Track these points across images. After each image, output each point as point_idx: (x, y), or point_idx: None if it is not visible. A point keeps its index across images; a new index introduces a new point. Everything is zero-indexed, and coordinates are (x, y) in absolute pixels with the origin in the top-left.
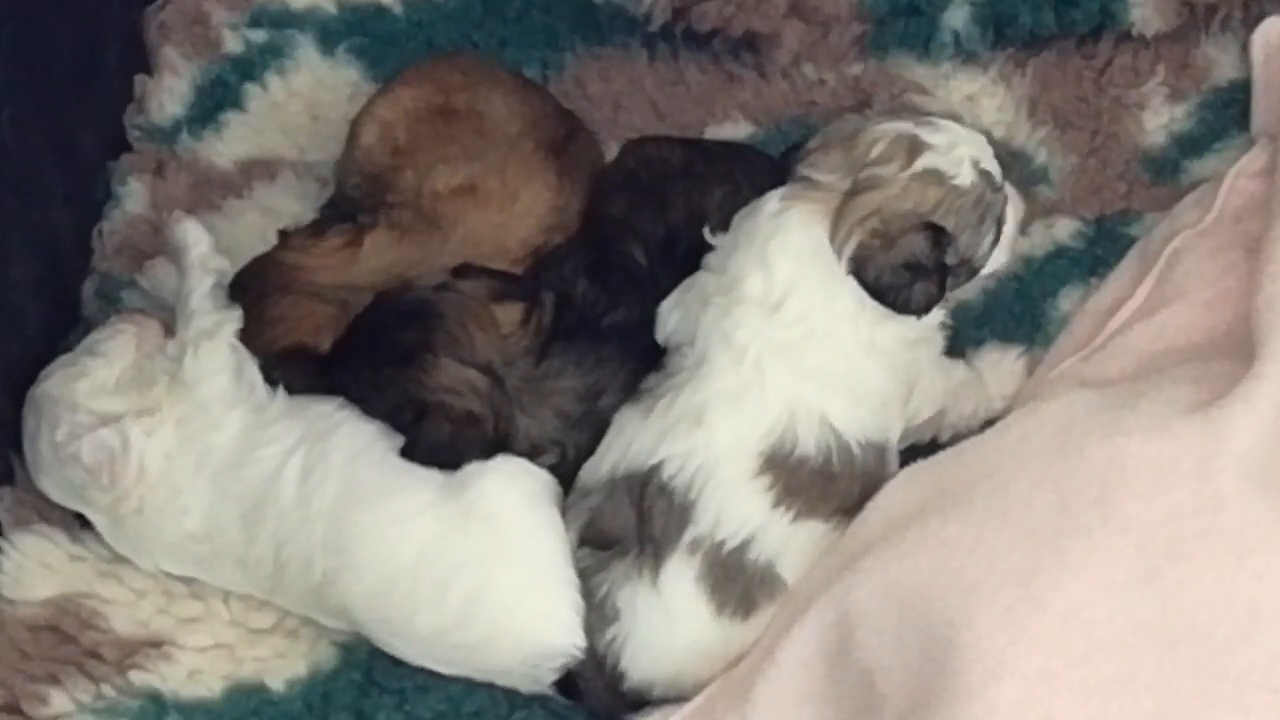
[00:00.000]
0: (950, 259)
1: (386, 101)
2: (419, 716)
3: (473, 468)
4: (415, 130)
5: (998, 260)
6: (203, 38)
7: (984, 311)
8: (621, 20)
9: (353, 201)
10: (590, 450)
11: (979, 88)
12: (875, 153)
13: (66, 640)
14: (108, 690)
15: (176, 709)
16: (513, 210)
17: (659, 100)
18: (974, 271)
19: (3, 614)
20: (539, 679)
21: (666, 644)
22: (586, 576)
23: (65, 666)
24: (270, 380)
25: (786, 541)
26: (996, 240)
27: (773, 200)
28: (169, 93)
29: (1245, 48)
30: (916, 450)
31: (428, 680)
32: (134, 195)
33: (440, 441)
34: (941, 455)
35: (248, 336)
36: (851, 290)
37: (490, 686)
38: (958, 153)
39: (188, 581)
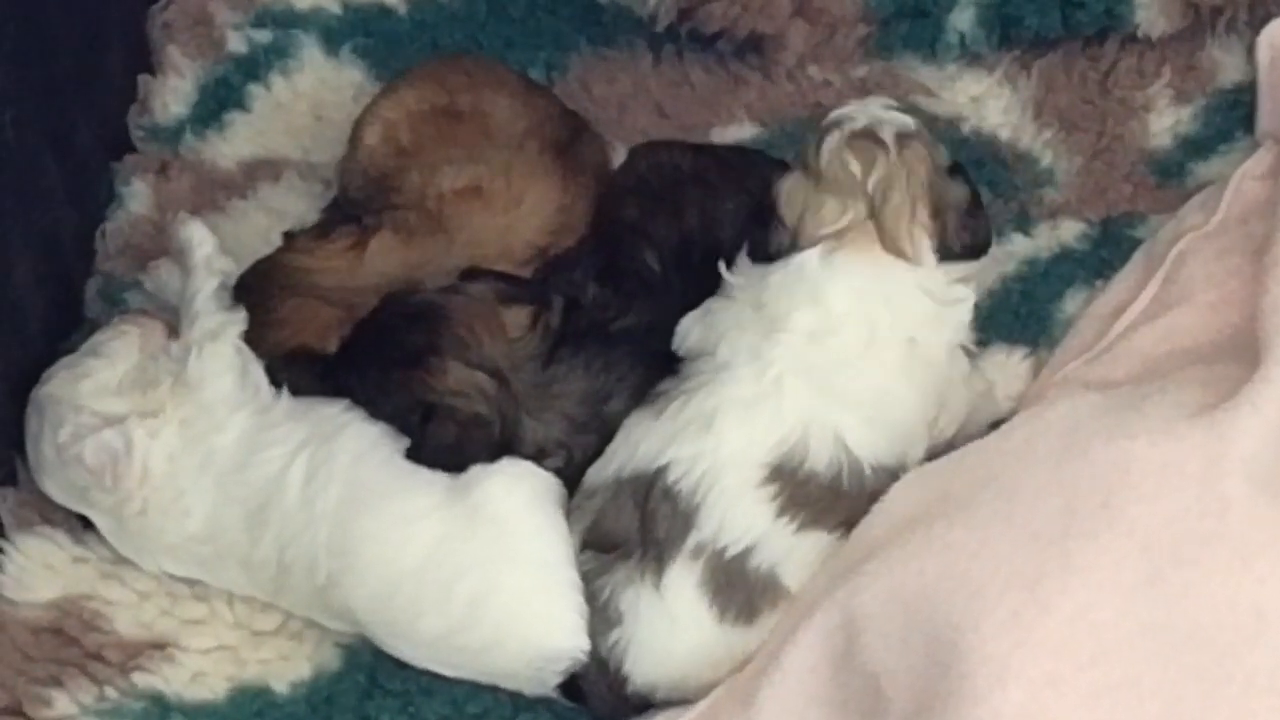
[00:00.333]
0: None
1: (390, 102)
2: (423, 719)
3: (478, 470)
4: (419, 131)
5: None
6: (206, 38)
7: (989, 313)
8: (626, 21)
9: (356, 203)
10: (596, 454)
11: (984, 89)
12: (855, 167)
13: (69, 642)
14: (110, 692)
15: (180, 711)
16: (518, 212)
17: (664, 101)
18: None
19: (5, 616)
20: (543, 682)
21: (669, 648)
22: (589, 579)
23: (68, 668)
24: (275, 382)
25: (789, 551)
26: None
27: (812, 257)
28: (173, 93)
29: (1251, 50)
30: (927, 454)
31: (432, 683)
32: (137, 196)
33: (446, 444)
34: (946, 459)
35: (252, 338)
36: (919, 293)
37: (494, 689)
38: (875, 114)
39: (191, 583)
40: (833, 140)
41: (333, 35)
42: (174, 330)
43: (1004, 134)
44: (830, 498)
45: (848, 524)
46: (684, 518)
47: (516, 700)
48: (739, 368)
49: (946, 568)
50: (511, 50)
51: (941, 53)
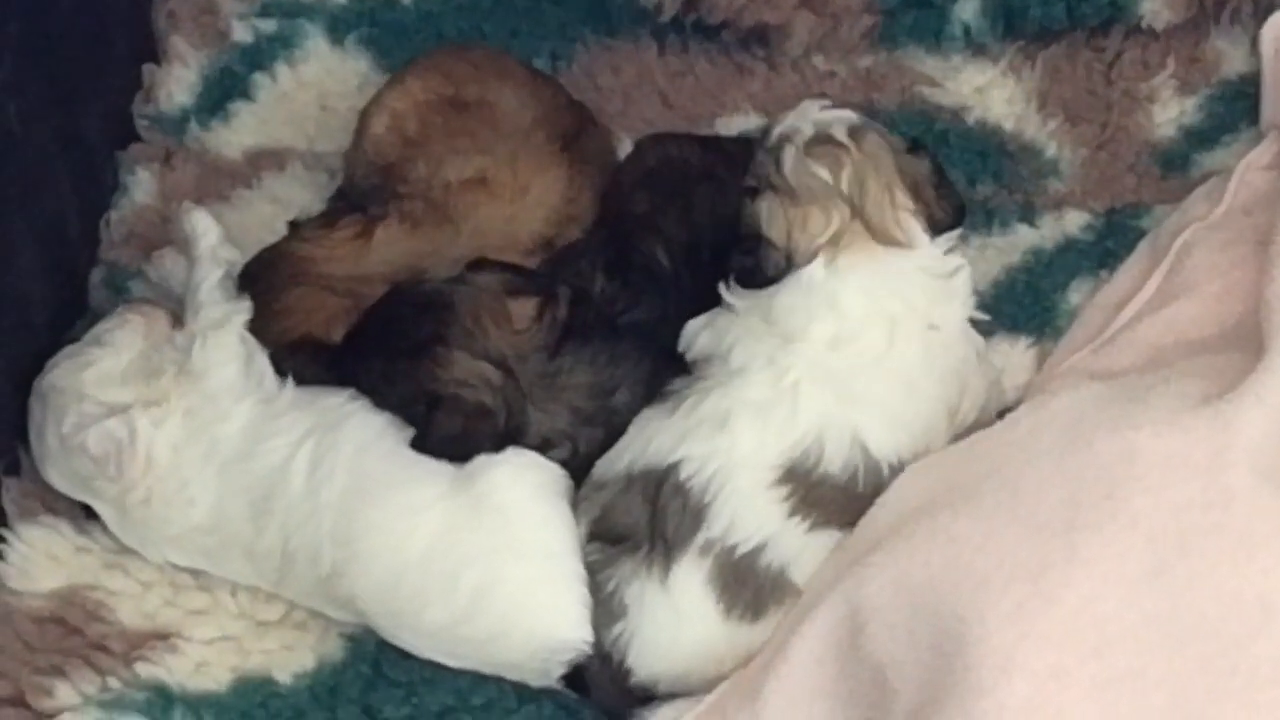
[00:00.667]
0: None
1: (397, 92)
2: (427, 709)
3: (483, 460)
4: (426, 121)
5: None
6: (211, 27)
7: (994, 304)
8: (632, 12)
9: (362, 192)
10: (603, 446)
11: (989, 80)
12: (823, 173)
13: (72, 632)
14: (114, 682)
15: (183, 701)
16: (524, 202)
17: (669, 92)
18: None
19: (8, 606)
20: (547, 673)
21: (672, 642)
22: (595, 571)
23: (71, 659)
24: (280, 371)
25: (801, 550)
26: None
27: (816, 270)
28: (177, 82)
29: (1255, 41)
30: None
31: (436, 673)
32: (142, 185)
33: (451, 434)
34: (950, 449)
35: (257, 328)
36: (923, 275)
37: (498, 680)
38: (818, 118)
39: (195, 573)
40: (790, 154)
41: (338, 25)
42: (178, 319)
43: (1008, 125)
44: (844, 499)
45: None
46: (694, 514)
47: (520, 691)
48: (754, 373)
49: (951, 559)
50: (517, 40)
51: (946, 44)
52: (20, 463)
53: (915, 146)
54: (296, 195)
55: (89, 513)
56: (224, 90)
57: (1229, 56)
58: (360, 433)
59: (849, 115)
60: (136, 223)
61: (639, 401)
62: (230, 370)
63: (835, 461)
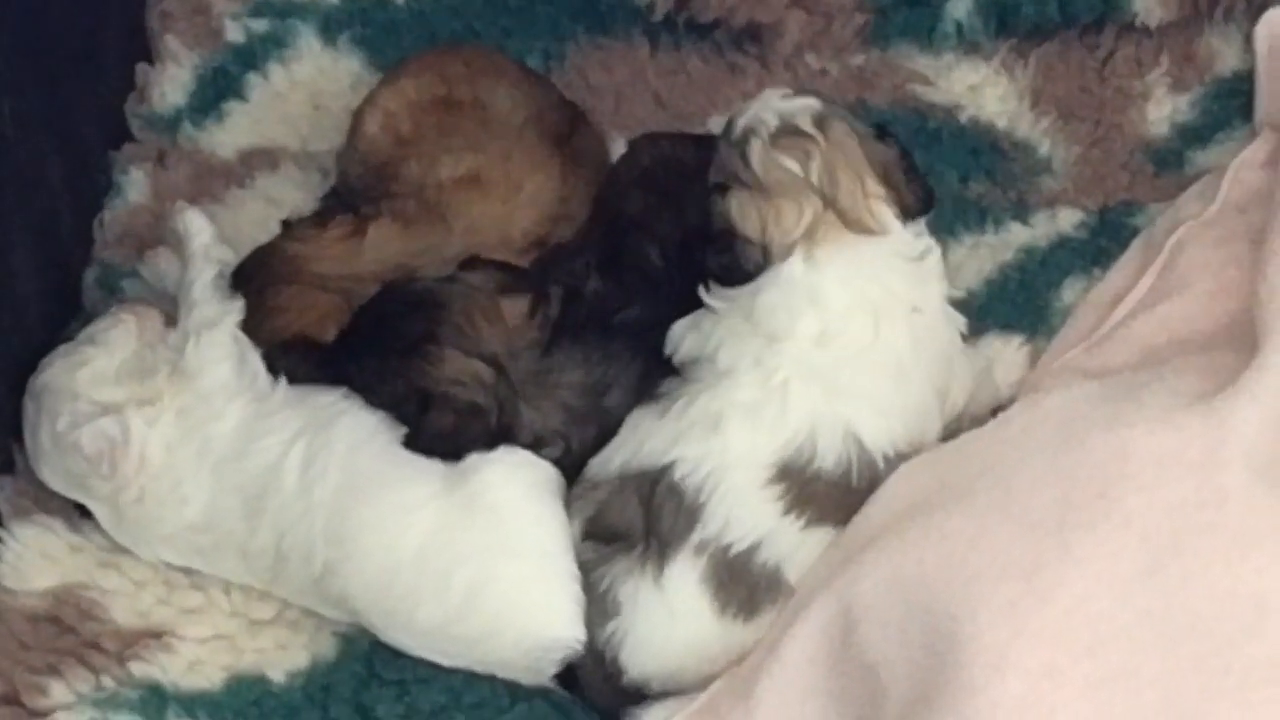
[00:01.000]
0: None
1: (390, 92)
2: (420, 708)
3: (475, 459)
4: (419, 120)
5: None
6: (204, 27)
7: (987, 302)
8: (624, 10)
9: (355, 192)
10: (595, 445)
11: (982, 78)
12: (792, 164)
13: (66, 631)
14: (107, 681)
15: (176, 700)
16: (516, 201)
17: (661, 90)
18: None
19: (2, 604)
20: (540, 671)
21: (666, 641)
22: (589, 570)
23: (65, 657)
24: (273, 370)
25: (796, 547)
26: None
27: (795, 266)
28: (171, 82)
29: (1248, 38)
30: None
31: (429, 672)
32: (135, 185)
33: (444, 432)
34: (943, 448)
35: (250, 327)
36: (899, 260)
37: (491, 678)
38: (781, 108)
39: (188, 572)
40: (757, 147)
41: (331, 25)
42: (172, 319)
43: (1001, 123)
44: (839, 494)
45: None
46: (689, 514)
47: (513, 690)
48: (742, 374)
49: (944, 557)
50: (509, 40)
51: (939, 42)
52: (14, 462)
53: (882, 133)
54: (289, 195)
55: (83, 512)
56: (217, 90)
57: (1222, 54)
58: (353, 431)
59: (813, 103)
60: (130, 222)
61: (631, 400)
62: (223, 369)
63: (828, 457)
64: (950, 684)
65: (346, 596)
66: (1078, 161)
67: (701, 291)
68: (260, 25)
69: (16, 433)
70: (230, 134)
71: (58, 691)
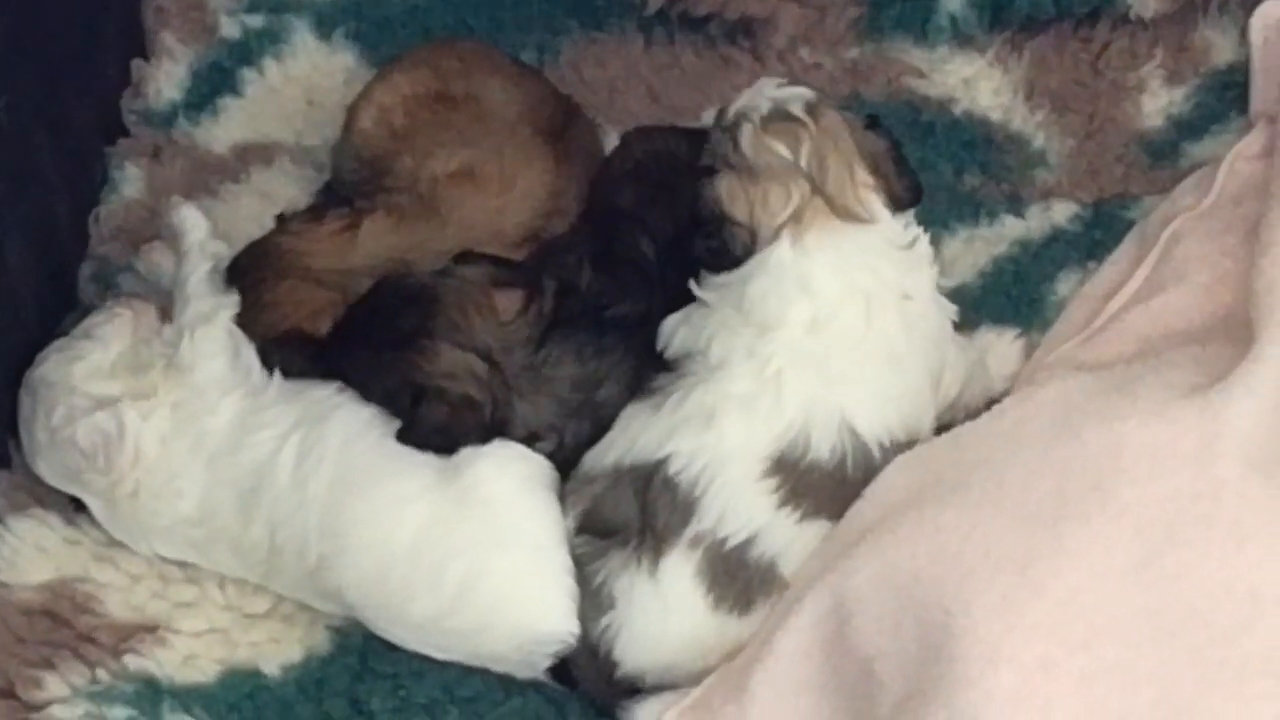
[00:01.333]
0: None
1: (384, 87)
2: (414, 702)
3: (469, 453)
4: (413, 115)
5: None
6: (200, 23)
7: (981, 295)
8: (617, 5)
9: (349, 186)
10: (589, 439)
11: (976, 71)
12: (781, 149)
13: (61, 625)
14: (102, 675)
15: (171, 694)
16: (510, 195)
17: (655, 85)
18: None
19: None
20: (534, 665)
21: (660, 635)
22: (583, 564)
23: (60, 651)
24: (267, 365)
25: (792, 541)
26: None
27: (784, 252)
28: (166, 78)
29: (1243, 30)
30: (937, 424)
31: (423, 665)
32: (131, 180)
33: (437, 426)
34: (937, 441)
35: (245, 321)
36: (888, 247)
37: (485, 672)
38: (774, 95)
39: (183, 566)
40: (748, 131)
41: (325, 20)
42: (167, 314)
43: (995, 116)
44: (834, 486)
45: None
46: (684, 508)
47: (507, 683)
48: (735, 366)
49: (938, 550)
50: (503, 34)
51: (932, 35)
52: (10, 456)
53: (873, 124)
54: (284, 189)
55: (78, 505)
56: (212, 85)
57: (1217, 46)
58: (347, 425)
59: (805, 92)
60: (125, 217)
61: (625, 394)
62: (218, 364)
63: (823, 448)
64: (944, 677)
65: (340, 590)
66: (1072, 154)
67: (693, 285)
68: (255, 21)
69: (12, 427)
70: (225, 129)
71: (53, 685)
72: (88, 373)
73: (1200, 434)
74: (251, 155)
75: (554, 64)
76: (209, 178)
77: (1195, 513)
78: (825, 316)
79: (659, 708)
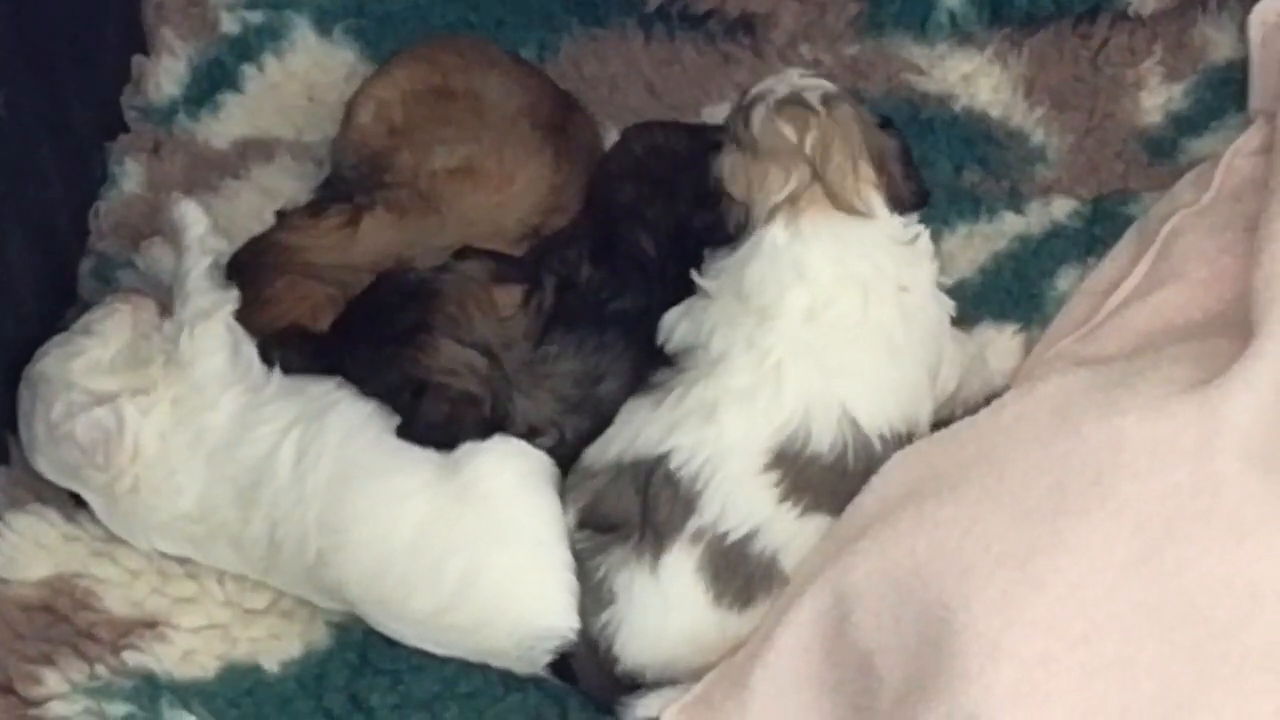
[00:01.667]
0: None
1: (383, 82)
2: (413, 698)
3: (468, 448)
4: (412, 111)
5: None
6: (200, 19)
7: (981, 291)
8: (618, 2)
9: (349, 182)
10: (590, 434)
11: (975, 67)
12: (789, 132)
13: (60, 620)
14: (101, 670)
15: (170, 689)
16: (510, 191)
17: (655, 81)
18: None
19: None
20: (533, 661)
21: (660, 630)
22: (584, 559)
23: (59, 647)
24: (267, 360)
25: (793, 536)
26: None
27: (777, 233)
28: (166, 74)
29: (1242, 27)
30: (935, 420)
31: (422, 661)
32: (131, 176)
33: (437, 421)
34: (937, 436)
35: (245, 316)
36: (887, 241)
37: (485, 668)
38: (795, 82)
39: (182, 561)
40: (761, 111)
41: (325, 16)
42: (167, 309)
43: (995, 112)
44: (835, 479)
45: None
46: (685, 503)
47: (507, 679)
48: (736, 358)
49: (937, 546)
50: (503, 30)
51: (932, 31)
52: (9, 451)
53: (888, 124)
54: (284, 185)
55: (77, 501)
56: (212, 81)
57: (1216, 43)
58: (346, 421)
59: (826, 84)
60: (125, 213)
61: (625, 390)
62: (217, 359)
63: (824, 440)
64: (944, 672)
65: (340, 585)
66: (1072, 150)
67: (694, 274)
68: (255, 17)
69: (11, 423)
70: (225, 125)
71: (52, 681)
72: (87, 368)
73: (1200, 429)
74: (252, 151)
75: (554, 60)
76: (209, 173)
77: (1195, 508)
78: (822, 304)
79: (659, 703)
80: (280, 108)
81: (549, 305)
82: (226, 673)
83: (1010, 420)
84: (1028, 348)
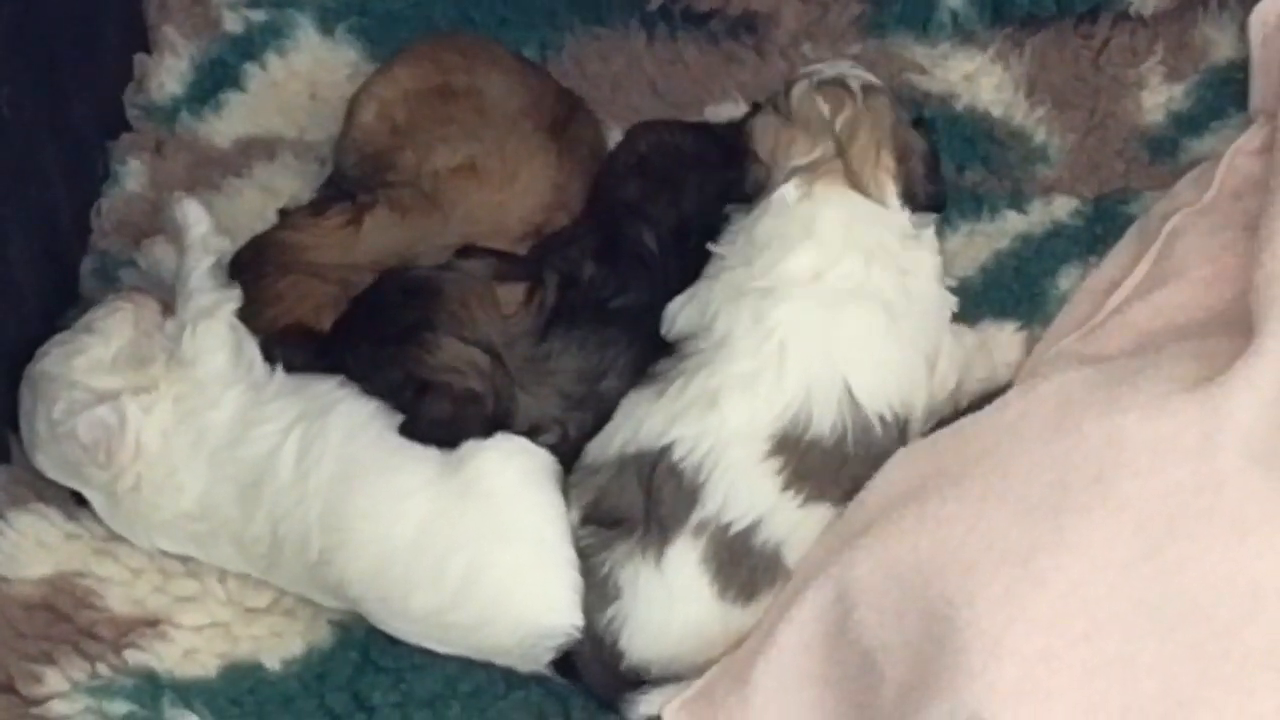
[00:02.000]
0: None
1: (385, 81)
2: (416, 696)
3: (471, 446)
4: (414, 110)
5: None
6: (202, 17)
7: (983, 290)
8: (621, 1)
9: (352, 181)
10: (592, 431)
11: (977, 67)
12: (824, 107)
13: (62, 619)
14: (103, 669)
15: (172, 688)
16: (513, 189)
17: (657, 80)
18: None
19: None
20: (536, 658)
21: (665, 625)
22: (588, 555)
23: (60, 645)
24: (269, 359)
25: (795, 526)
26: None
27: (789, 189)
28: (169, 72)
29: (1243, 27)
30: (934, 419)
31: (425, 659)
32: (133, 174)
33: (440, 419)
34: (940, 434)
35: (247, 315)
36: (893, 225)
37: (488, 666)
38: (842, 69)
39: (184, 560)
40: (802, 85)
41: (328, 15)
42: (169, 308)
43: (997, 111)
44: (835, 465)
45: (851, 497)
46: (688, 494)
47: (509, 677)
48: (739, 340)
49: (940, 543)
50: (506, 29)
51: (934, 31)
52: (10, 450)
53: (921, 124)
54: (286, 184)
55: (79, 499)
56: (215, 80)
57: (1217, 42)
58: (348, 419)
59: (872, 78)
60: (127, 212)
61: (627, 387)
62: (220, 358)
63: (823, 424)
64: (946, 669)
65: (342, 584)
66: (1073, 150)
67: (710, 245)
68: (258, 15)
69: (12, 421)
70: (228, 124)
71: (53, 679)
72: (89, 366)
73: (1201, 427)
74: (254, 150)
75: (557, 59)
76: (211, 172)
77: (1197, 506)
78: (826, 263)
79: (661, 699)
80: (283, 106)
81: (551, 303)
82: (228, 671)
83: (1012, 418)
84: (1029, 346)
